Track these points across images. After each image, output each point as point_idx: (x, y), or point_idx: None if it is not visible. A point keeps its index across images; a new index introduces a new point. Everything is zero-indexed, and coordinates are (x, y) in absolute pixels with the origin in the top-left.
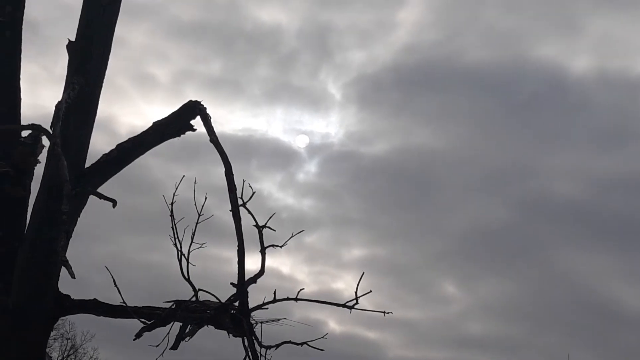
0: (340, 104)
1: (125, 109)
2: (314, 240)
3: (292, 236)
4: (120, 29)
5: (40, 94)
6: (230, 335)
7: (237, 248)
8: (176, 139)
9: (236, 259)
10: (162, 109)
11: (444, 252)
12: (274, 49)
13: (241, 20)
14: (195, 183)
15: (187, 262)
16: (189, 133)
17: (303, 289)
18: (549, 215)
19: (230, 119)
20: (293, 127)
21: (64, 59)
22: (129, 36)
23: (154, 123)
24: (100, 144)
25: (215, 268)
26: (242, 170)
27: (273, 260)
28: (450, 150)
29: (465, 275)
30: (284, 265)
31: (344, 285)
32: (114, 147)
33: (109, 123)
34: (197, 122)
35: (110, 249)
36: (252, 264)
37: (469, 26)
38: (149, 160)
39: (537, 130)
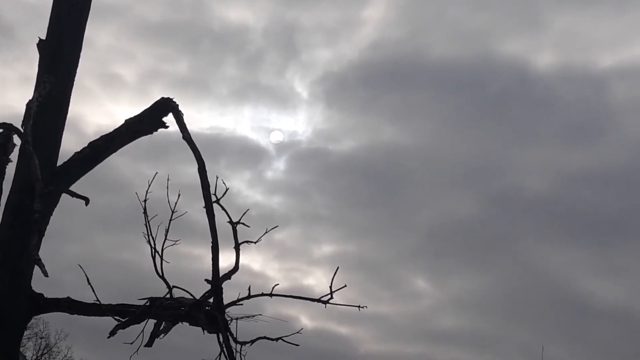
0: (307, 102)
1: (92, 109)
2: (284, 237)
3: (266, 232)
4: (86, 30)
5: (8, 95)
6: (205, 331)
7: (210, 244)
8: (144, 138)
9: (209, 256)
10: (129, 109)
11: (415, 247)
12: (241, 48)
13: (207, 19)
14: (168, 180)
15: (162, 260)
16: (158, 131)
17: (277, 284)
18: (520, 210)
19: (198, 118)
20: (261, 125)
21: (31, 59)
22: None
23: (126, 120)
24: (68, 144)
25: (188, 265)
26: (211, 169)
27: (244, 257)
28: (418, 147)
29: (437, 271)
30: (255, 262)
31: (315, 281)
32: (81, 146)
33: (76, 123)
34: (168, 119)
35: (82, 248)
36: (224, 260)
37: (434, 23)
38: (117, 160)
39: (505, 126)
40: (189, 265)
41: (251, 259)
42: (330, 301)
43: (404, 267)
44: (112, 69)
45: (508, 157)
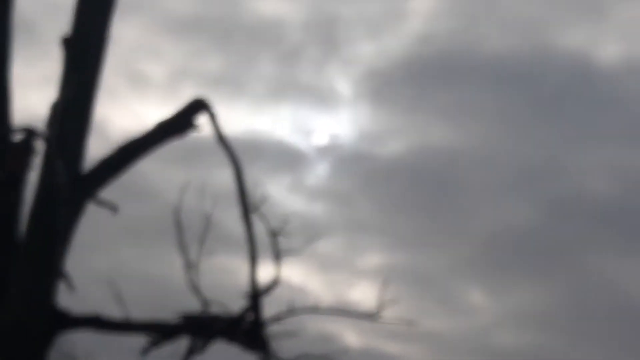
0: (350, 102)
1: (118, 110)
2: (326, 247)
3: (310, 243)
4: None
5: (27, 96)
6: (244, 349)
7: (248, 256)
8: (175, 142)
9: (246, 268)
10: (158, 109)
11: (469, 258)
12: (277, 44)
13: (241, 13)
14: (203, 188)
15: (197, 273)
16: (190, 134)
17: (321, 300)
18: (584, 215)
19: (231, 119)
20: (300, 127)
21: (53, 58)
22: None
23: (158, 123)
24: (91, 148)
25: (223, 279)
26: (247, 174)
27: (283, 270)
28: (471, 148)
29: (494, 283)
30: (294, 275)
31: (361, 294)
32: (106, 151)
33: (100, 125)
34: (201, 121)
35: (108, 261)
36: (263, 274)
37: (488, 13)
38: (146, 165)
39: (566, 124)
40: (225, 278)
41: (291, 271)
42: (379, 318)
43: (458, 279)
44: (139, 67)
45: (570, 157)
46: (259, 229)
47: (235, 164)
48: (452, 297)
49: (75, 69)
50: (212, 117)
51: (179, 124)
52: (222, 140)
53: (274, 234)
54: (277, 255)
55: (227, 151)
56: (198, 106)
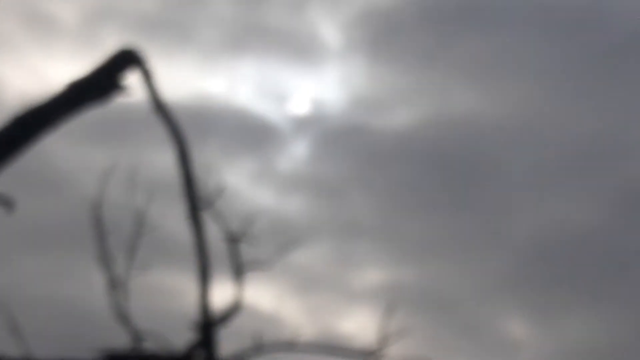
0: (339, 55)
1: (13, 66)
2: (308, 259)
3: (284, 253)
4: None
5: None
6: None
7: (197, 271)
8: (93, 111)
9: (194, 288)
10: (68, 65)
11: (505, 274)
12: None
13: None
14: (135, 173)
15: (125, 294)
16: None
17: (301, 331)
18: None
19: (173, 78)
20: (269, 89)
21: None
22: None
23: (69, 84)
24: None
25: (161, 302)
26: (195, 156)
27: (250, 290)
28: (506, 119)
29: (540, 308)
30: (264, 297)
31: (355, 325)
32: (1, 121)
33: None
34: (130, 81)
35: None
36: (219, 295)
37: None
38: (52, 144)
39: (636, 88)
40: (164, 302)
41: (257, 292)
42: (383, 354)
43: (490, 302)
44: (42, 5)
45: None
46: (213, 232)
47: (178, 142)
48: (481, 327)
49: None
50: (146, 75)
51: (98, 84)
52: (160, 108)
53: (233, 240)
54: (239, 270)
55: (168, 124)
56: (126, 59)
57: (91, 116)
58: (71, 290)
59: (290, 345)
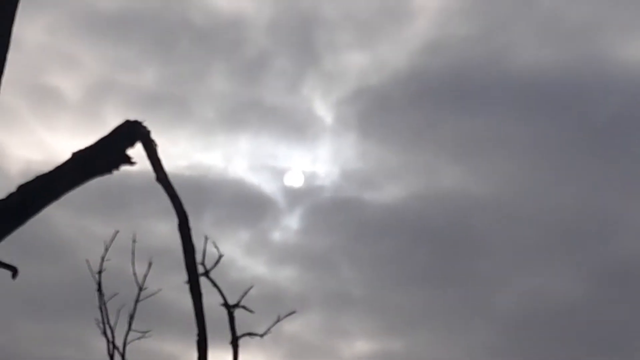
0: (332, 131)
1: (17, 137)
2: (298, 327)
3: (278, 320)
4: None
5: None
6: None
7: (195, 337)
8: (95, 181)
9: (189, 354)
10: (71, 138)
11: (488, 343)
12: (235, 51)
13: (187, 9)
14: (134, 242)
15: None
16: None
17: None
18: (639, 289)
19: (172, 152)
20: (265, 163)
21: None
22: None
23: (74, 154)
24: None
25: None
26: (193, 226)
27: (243, 357)
28: (493, 196)
29: None
30: None
31: None
32: (4, 191)
33: None
34: (134, 153)
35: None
36: None
37: (518, 15)
38: (55, 212)
39: (623, 167)
40: None
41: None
42: None
43: None
44: (46, 79)
45: (628, 209)
46: (211, 300)
47: (179, 213)
48: None
49: None
50: (150, 147)
51: (104, 156)
52: (163, 179)
53: (230, 308)
54: (235, 337)
55: (170, 195)
56: (131, 132)
57: (91, 185)
58: (71, 354)
59: None
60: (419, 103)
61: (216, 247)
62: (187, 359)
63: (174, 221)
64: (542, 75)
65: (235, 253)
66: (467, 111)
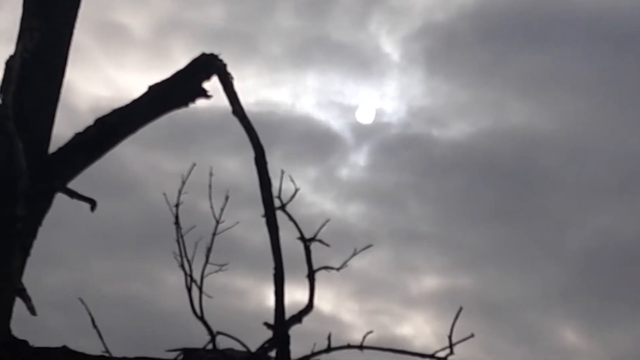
0: (399, 67)
1: (86, 74)
2: (366, 264)
3: (354, 254)
4: None
5: None
6: None
7: (272, 271)
8: (162, 117)
9: (261, 289)
10: (139, 75)
11: (562, 283)
12: None
13: None
14: (211, 175)
15: (200, 293)
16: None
17: (371, 332)
18: None
19: (239, 88)
20: (332, 100)
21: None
22: None
23: (151, 87)
24: None
25: (232, 302)
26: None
27: (305, 295)
28: (562, 133)
29: (592, 316)
30: (324, 301)
31: (413, 330)
32: (72, 126)
33: (64, 93)
34: (210, 86)
35: (73, 276)
36: (288, 296)
37: None
38: (124, 149)
39: None
40: (236, 302)
41: (319, 296)
42: (450, 358)
43: (544, 310)
44: (114, 17)
45: None
46: (285, 234)
47: (256, 146)
48: (537, 335)
49: (39, 14)
50: (226, 80)
51: (180, 89)
52: (239, 113)
53: (307, 242)
54: (311, 271)
55: (247, 128)
56: (207, 64)
57: (160, 122)
58: (141, 289)
59: (359, 347)
60: (486, 39)
61: (292, 180)
62: (259, 293)
63: (244, 157)
64: (610, 10)
65: (303, 189)
66: (535, 48)
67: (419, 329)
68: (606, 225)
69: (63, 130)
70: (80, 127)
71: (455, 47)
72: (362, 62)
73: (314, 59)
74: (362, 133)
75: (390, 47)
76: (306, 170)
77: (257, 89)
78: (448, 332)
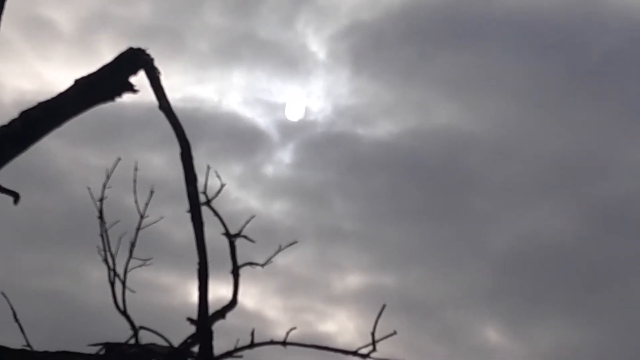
0: (325, 66)
1: (11, 68)
2: (290, 261)
3: (279, 250)
4: None
5: None
6: None
7: (196, 267)
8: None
9: (184, 285)
10: (64, 69)
11: (483, 281)
12: None
13: None
14: (136, 170)
15: (124, 287)
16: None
17: (294, 328)
18: (636, 225)
19: (166, 84)
20: (258, 97)
21: None
22: None
23: (76, 81)
24: None
25: (157, 297)
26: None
27: (229, 291)
28: (487, 133)
29: (515, 316)
30: (248, 297)
31: (337, 327)
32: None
33: None
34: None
35: None
36: (211, 292)
37: None
38: (49, 143)
39: (616, 105)
40: (159, 297)
41: (243, 293)
42: (373, 355)
43: (467, 309)
44: (40, 11)
45: (620, 149)
46: (210, 230)
47: (182, 141)
48: (459, 333)
49: None
50: (153, 75)
51: (107, 83)
52: (166, 108)
53: (231, 237)
54: (235, 267)
55: (173, 123)
56: (134, 59)
57: (84, 117)
58: (65, 284)
59: (283, 343)
60: (412, 39)
61: (218, 176)
62: (184, 289)
63: (169, 153)
64: (537, 12)
65: (228, 185)
66: (461, 48)
67: (342, 326)
68: (529, 225)
69: None
70: (4, 121)
71: (381, 46)
72: (288, 61)
73: (241, 57)
74: (287, 131)
75: (316, 45)
76: (231, 167)
77: (183, 85)
78: (371, 330)
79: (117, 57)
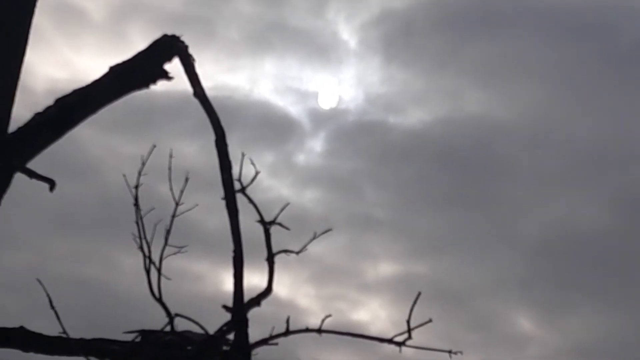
0: (357, 54)
1: (44, 56)
2: (322, 249)
3: (314, 237)
4: None
5: None
6: None
7: (231, 254)
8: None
9: (218, 273)
10: (95, 57)
11: (516, 270)
12: None
13: None
14: (171, 157)
15: (159, 275)
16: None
17: (329, 315)
18: None
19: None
20: (289, 86)
21: None
22: None
23: (111, 68)
24: None
25: (190, 285)
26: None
27: (264, 278)
28: (520, 121)
29: (547, 304)
30: (281, 285)
31: (369, 315)
32: (29, 108)
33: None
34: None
35: (31, 257)
36: (246, 279)
37: None
38: (81, 131)
39: None
40: (191, 285)
41: (276, 281)
42: (408, 342)
43: (500, 298)
44: (71, 1)
45: None
46: (245, 218)
47: (216, 128)
48: (492, 322)
49: None
50: (188, 62)
51: (142, 70)
52: (201, 95)
53: (266, 225)
54: (270, 254)
55: (207, 110)
56: (168, 46)
57: (117, 105)
58: (98, 271)
59: (318, 330)
60: (443, 27)
61: (253, 163)
62: (217, 276)
63: (202, 141)
64: (567, 0)
65: (260, 174)
66: (492, 35)
67: (374, 314)
68: (561, 212)
69: (19, 111)
70: (36, 109)
71: (413, 34)
72: (320, 49)
73: (272, 45)
74: (319, 119)
75: (347, 34)
76: (263, 155)
77: (215, 74)
78: (404, 318)
79: (152, 44)
